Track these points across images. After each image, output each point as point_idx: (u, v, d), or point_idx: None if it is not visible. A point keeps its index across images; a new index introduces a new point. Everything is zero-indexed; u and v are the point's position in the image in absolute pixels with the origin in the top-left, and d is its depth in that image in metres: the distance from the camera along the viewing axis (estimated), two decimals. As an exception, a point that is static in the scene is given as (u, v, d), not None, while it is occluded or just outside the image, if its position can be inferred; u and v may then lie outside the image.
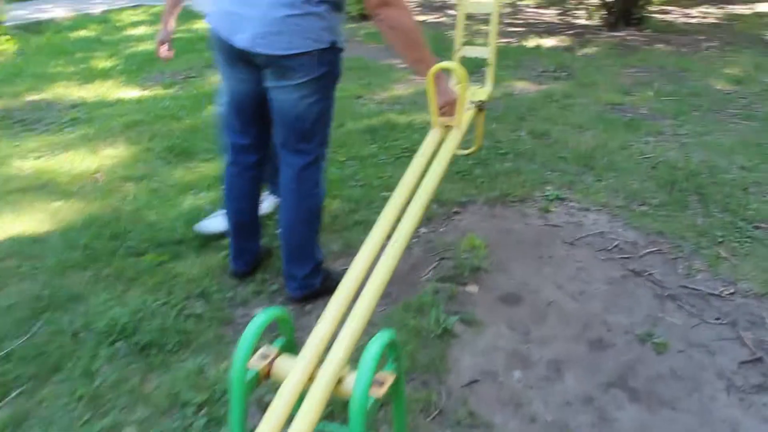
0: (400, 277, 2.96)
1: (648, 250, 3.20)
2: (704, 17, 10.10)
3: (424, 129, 4.76)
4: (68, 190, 3.95)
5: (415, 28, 2.24)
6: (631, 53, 7.33)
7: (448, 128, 2.46)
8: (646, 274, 3.00)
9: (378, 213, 2.16)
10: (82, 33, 9.29)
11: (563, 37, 8.28)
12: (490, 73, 2.83)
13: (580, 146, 4.43)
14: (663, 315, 2.70)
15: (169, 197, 3.82)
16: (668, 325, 2.63)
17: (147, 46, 7.93)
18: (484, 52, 2.81)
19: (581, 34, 8.48)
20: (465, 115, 2.53)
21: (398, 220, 2.07)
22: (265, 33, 2.22)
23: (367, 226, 3.36)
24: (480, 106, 2.65)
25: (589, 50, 7.53)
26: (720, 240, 3.25)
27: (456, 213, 3.61)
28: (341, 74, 2.48)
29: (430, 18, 10.11)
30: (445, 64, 2.19)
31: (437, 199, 3.68)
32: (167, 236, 3.33)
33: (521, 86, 5.95)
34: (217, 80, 6.23)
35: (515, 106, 5.31)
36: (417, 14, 10.20)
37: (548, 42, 7.98)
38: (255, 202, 2.85)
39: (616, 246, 3.24)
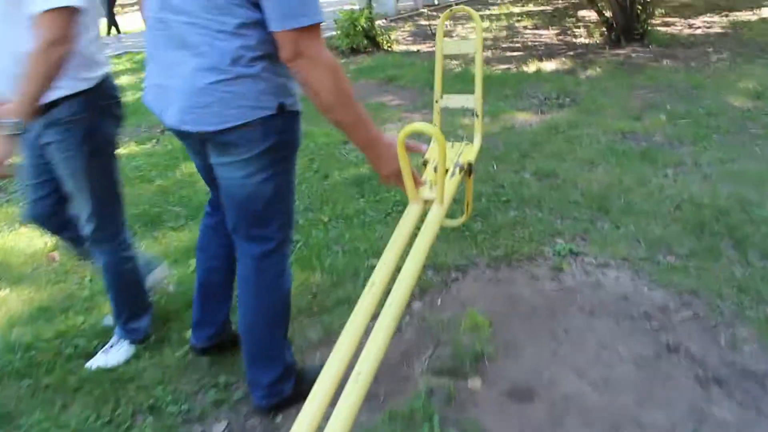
0: (389, 370, 2.49)
1: (681, 316, 2.71)
2: (709, 27, 9.66)
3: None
4: (20, 274, 3.51)
5: (334, 85, 1.72)
6: (638, 72, 6.88)
7: (428, 202, 2.01)
8: (683, 349, 2.51)
9: (364, 286, 1.73)
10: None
11: (564, 59, 7.85)
12: (478, 125, 2.37)
13: (592, 186, 3.96)
14: (709, 407, 2.21)
15: (130, 277, 3.36)
16: (717, 423, 2.14)
17: (127, 98, 7.56)
18: (470, 100, 2.35)
19: (583, 55, 8.05)
20: (449, 183, 2.07)
21: (381, 305, 1.67)
22: (192, 107, 1.82)
23: (351, 305, 2.88)
24: (468, 170, 2.19)
25: (593, 71, 7.08)
26: (766, 297, 2.76)
27: (455, 280, 3.13)
28: (299, 141, 2.04)
29: (423, 47, 9.72)
30: (416, 126, 1.73)
31: (432, 265, 3.21)
32: (121, 330, 2.87)
33: (522, 118, 5.50)
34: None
35: (517, 141, 4.86)
36: (409, 44, 9.82)
37: (549, 65, 7.55)
38: (228, 264, 2.40)
39: (643, 312, 2.75)
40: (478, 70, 2.28)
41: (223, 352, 2.58)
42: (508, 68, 7.52)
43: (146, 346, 2.75)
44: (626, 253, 3.20)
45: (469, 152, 2.23)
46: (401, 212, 3.81)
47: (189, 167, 4.96)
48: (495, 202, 3.85)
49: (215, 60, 1.76)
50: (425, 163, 2.23)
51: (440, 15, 9.90)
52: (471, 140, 2.36)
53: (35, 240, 3.90)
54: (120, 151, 5.48)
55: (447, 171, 2.13)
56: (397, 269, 1.80)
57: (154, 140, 5.82)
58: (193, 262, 3.27)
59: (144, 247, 3.65)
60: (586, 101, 5.83)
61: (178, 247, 3.65)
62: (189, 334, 2.76)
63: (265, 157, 1.91)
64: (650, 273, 3.04)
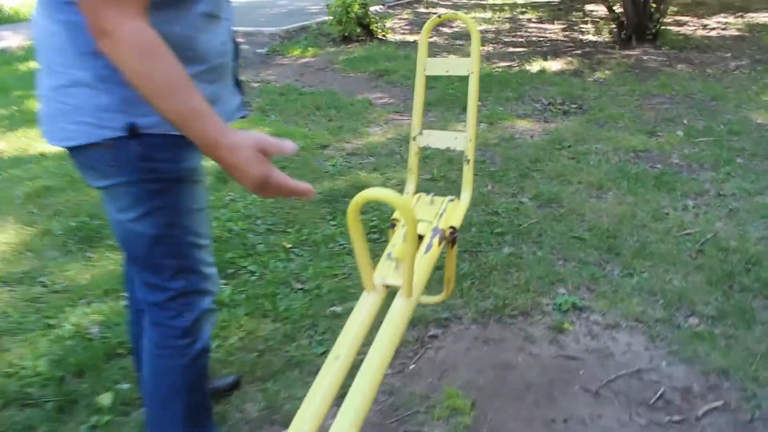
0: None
1: (708, 406, 2.18)
2: (724, 28, 9.07)
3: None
4: None
5: (144, 71, 1.19)
6: (650, 77, 6.31)
7: (386, 288, 1.46)
8: (713, 458, 1.97)
9: (322, 343, 1.31)
10: (33, 65, 8.34)
11: (570, 58, 7.27)
12: (468, 175, 1.79)
13: (601, 218, 3.42)
14: None
15: (49, 311, 2.82)
16: None
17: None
18: (459, 140, 1.77)
19: (591, 54, 7.47)
20: (424, 260, 1.52)
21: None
22: (44, 116, 1.45)
23: (303, 371, 2.36)
24: (450, 238, 1.63)
25: (602, 74, 6.51)
26: (814, 385, 2.23)
27: (433, 338, 2.60)
28: (186, 170, 1.49)
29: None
30: (374, 193, 1.18)
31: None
32: (22, 387, 2.34)
33: (523, 127, 4.94)
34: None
35: (516, 156, 4.30)
36: (406, 33, 9.21)
37: (554, 65, 6.97)
38: None
39: (660, 397, 2.22)
40: (471, 100, 1.71)
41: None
42: (510, 66, 6.94)
43: (48, 410, 2.22)
44: (640, 312, 2.67)
45: (453, 213, 1.67)
46: (379, 242, 3.29)
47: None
48: (487, 234, 3.30)
49: (48, 56, 1.37)
50: (393, 225, 1.67)
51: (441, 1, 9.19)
52: (458, 194, 1.79)
53: None
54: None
55: (421, 240, 1.58)
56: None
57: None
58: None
59: (73, 275, 3.10)
60: (595, 109, 5.27)
61: (114, 272, 3.09)
62: (105, 397, 2.26)
63: (132, 190, 1.44)
64: (669, 341, 2.50)
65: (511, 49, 7.87)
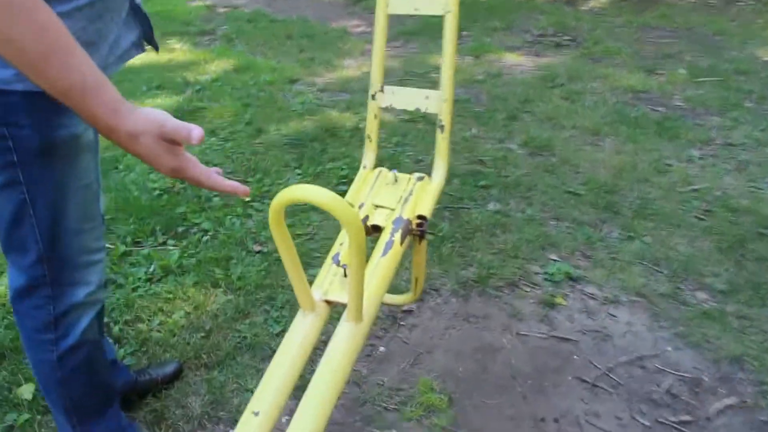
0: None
1: (721, 404, 1.89)
2: (727, -46, 8.52)
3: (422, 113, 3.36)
4: None
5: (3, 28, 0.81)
6: (649, 7, 5.85)
7: (329, 304, 1.10)
8: (728, 469, 1.69)
9: (279, 321, 1.56)
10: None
11: (564, -16, 6.75)
12: (443, 147, 1.37)
13: (598, 170, 3.06)
14: None
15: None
16: None
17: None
18: (431, 99, 1.35)
19: (585, -20, 6.95)
20: (381, 264, 1.15)
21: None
22: None
23: (256, 356, 2.04)
24: (418, 232, 1.26)
25: (596, 3, 6.04)
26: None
27: (406, 314, 2.27)
28: (64, 144, 1.17)
29: None
30: (299, 192, 0.82)
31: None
32: None
33: (513, 61, 4.51)
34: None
35: (504, 95, 3.90)
36: None
37: (545, -9, 6.47)
38: None
39: (667, 392, 1.93)
40: (447, 49, 1.30)
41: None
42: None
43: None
44: (642, 284, 2.35)
45: (422, 196, 1.29)
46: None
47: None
48: (470, 187, 2.94)
49: None
50: None
51: None
52: (429, 172, 1.40)
53: None
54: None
55: (379, 232, 1.22)
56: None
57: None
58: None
59: None
60: (589, 42, 4.85)
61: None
62: (26, 390, 1.94)
63: None
64: (675, 320, 2.20)
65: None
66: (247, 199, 2.92)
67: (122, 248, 2.58)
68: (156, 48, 1.39)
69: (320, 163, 3.16)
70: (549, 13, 5.57)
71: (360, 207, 1.26)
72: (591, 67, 4.33)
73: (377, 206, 1.26)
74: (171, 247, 2.60)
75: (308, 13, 5.66)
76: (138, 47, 1.29)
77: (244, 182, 3.07)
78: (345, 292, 1.08)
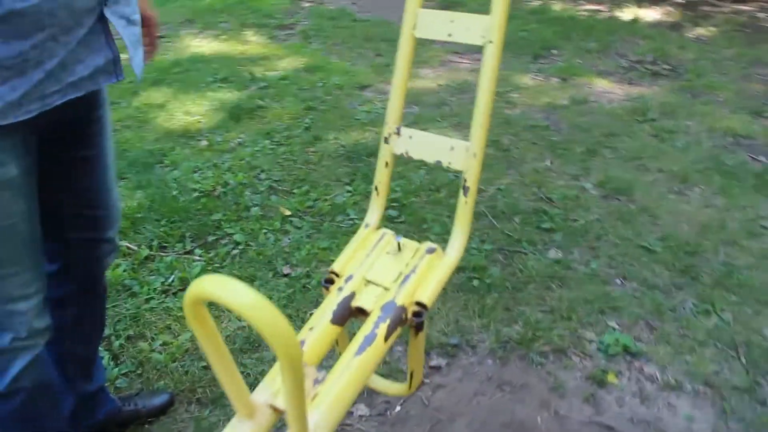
0: None
1: None
2: None
3: (444, 168, 3.10)
4: None
5: None
6: (764, 40, 5.33)
7: (275, 411, 0.85)
8: None
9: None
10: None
11: (670, 7, 6.28)
12: (463, 215, 1.06)
13: (680, 225, 2.70)
14: None
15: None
16: None
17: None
18: (456, 151, 1.04)
19: (695, 4, 6.44)
20: (353, 367, 0.89)
21: None
22: None
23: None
24: (414, 323, 0.99)
25: (705, 31, 5.55)
26: None
27: (433, 370, 2.00)
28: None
29: None
30: (214, 289, 0.58)
31: (405, 339, 2.07)
32: None
33: (602, 87, 4.15)
34: (190, 46, 4.69)
35: (586, 125, 3.55)
36: None
37: (650, 14, 6.01)
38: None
39: None
40: (484, 89, 1.02)
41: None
42: (598, 10, 6.02)
43: None
44: (713, 372, 2.00)
45: (428, 276, 1.01)
46: (398, 225, 2.67)
47: (153, 96, 3.86)
48: (531, 229, 2.64)
49: None
50: (329, 281, 1.03)
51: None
52: (444, 245, 1.11)
53: None
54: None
55: (363, 316, 0.96)
56: None
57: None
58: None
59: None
60: (691, 74, 4.42)
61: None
62: None
63: None
64: (748, 422, 1.85)
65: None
66: (288, 213, 2.72)
67: (145, 252, 2.43)
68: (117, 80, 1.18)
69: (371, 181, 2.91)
70: (651, 38, 5.15)
71: (348, 280, 1.01)
72: (689, 103, 3.92)
73: (369, 282, 1.00)
74: (196, 258, 2.42)
75: (393, 17, 5.43)
76: (109, 74, 1.10)
77: (290, 193, 2.87)
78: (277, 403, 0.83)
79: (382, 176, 1.13)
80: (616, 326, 2.17)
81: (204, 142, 3.32)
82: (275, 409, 0.84)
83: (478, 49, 1.01)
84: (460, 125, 3.54)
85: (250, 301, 0.59)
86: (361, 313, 0.98)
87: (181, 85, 4.01)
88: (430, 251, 1.04)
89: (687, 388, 1.96)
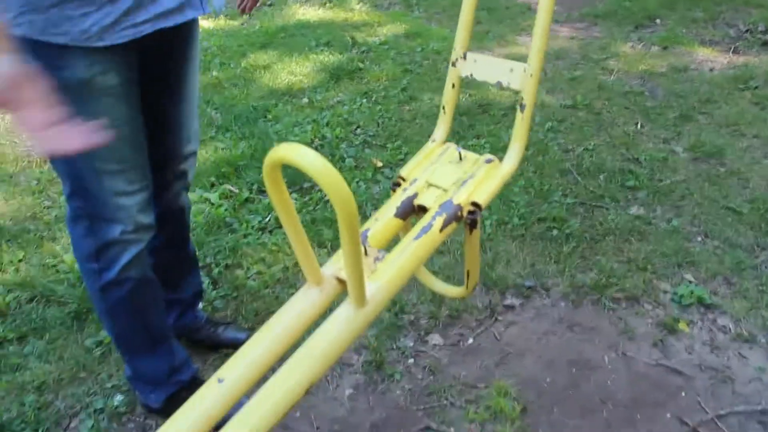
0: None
1: None
2: None
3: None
4: (5, 172, 2.91)
5: None
6: None
7: (341, 283, 1.00)
8: None
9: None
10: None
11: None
12: (521, 128, 1.17)
13: (771, 189, 2.67)
14: None
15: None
16: None
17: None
18: (515, 73, 1.16)
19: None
20: (411, 249, 1.03)
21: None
22: None
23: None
24: (470, 219, 1.11)
25: (828, 1, 5.25)
26: None
27: (507, 309, 2.11)
28: (71, 84, 1.19)
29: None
30: (291, 154, 0.74)
31: (483, 279, 2.19)
32: (52, 282, 2.18)
33: (704, 56, 4.05)
34: (297, 14, 4.92)
35: (683, 92, 3.51)
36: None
37: (768, -17, 5.73)
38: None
39: (788, 458, 1.63)
40: (541, 15, 1.12)
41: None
42: (712, -20, 5.79)
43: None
44: (790, 327, 2.01)
45: (485, 181, 1.13)
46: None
47: (260, 58, 4.10)
48: (615, 186, 2.67)
49: None
50: (397, 184, 1.17)
51: None
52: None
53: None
54: (206, 24, 4.73)
55: (423, 213, 1.09)
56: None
57: (246, 16, 4.96)
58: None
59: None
60: (806, 44, 4.22)
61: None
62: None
63: None
64: (822, 375, 1.85)
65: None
66: (380, 164, 2.88)
67: (246, 194, 2.65)
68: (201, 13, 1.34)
69: (464, 138, 3.04)
70: (764, 7, 4.93)
71: (412, 182, 1.15)
72: (799, 72, 3.77)
73: (431, 185, 1.14)
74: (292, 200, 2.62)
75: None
76: (195, 8, 1.29)
77: (383, 147, 3.03)
78: (366, 270, 0.98)
79: (449, 97, 1.25)
80: (693, 279, 2.20)
81: (305, 100, 3.52)
82: (340, 281, 0.99)
83: (578, 18, 1.11)
84: (554, 89, 3.58)
85: (320, 166, 0.73)
86: (422, 210, 1.11)
87: (286, 48, 4.24)
88: (488, 161, 1.16)
89: (761, 340, 1.98)
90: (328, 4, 5.19)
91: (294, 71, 3.88)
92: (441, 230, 1.05)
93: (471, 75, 1.22)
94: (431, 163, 1.19)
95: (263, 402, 0.84)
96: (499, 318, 2.08)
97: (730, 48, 4.18)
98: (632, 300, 2.13)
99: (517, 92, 1.16)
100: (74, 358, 1.89)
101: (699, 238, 2.40)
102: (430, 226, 1.05)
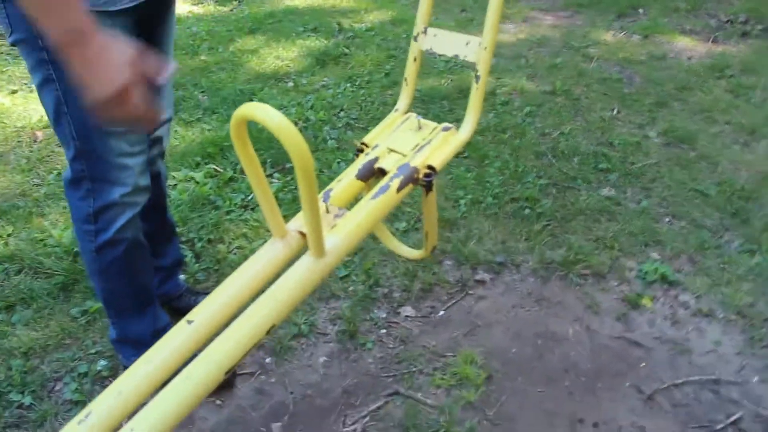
0: (308, 419, 1.69)
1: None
2: None
3: (506, 105, 3.25)
4: (-2, 148, 2.96)
5: None
6: None
7: (303, 237, 1.07)
8: None
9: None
10: None
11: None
12: (475, 99, 1.26)
13: (739, 172, 2.75)
14: None
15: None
16: None
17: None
18: (471, 46, 1.23)
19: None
20: (369, 207, 1.10)
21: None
22: None
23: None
24: (425, 182, 1.19)
25: (810, -8, 5.33)
26: None
27: (478, 284, 2.19)
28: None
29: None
30: (254, 111, 0.81)
31: (455, 253, 2.28)
32: (39, 255, 2.25)
33: (683, 45, 4.13)
34: (285, 0, 4.96)
35: (660, 79, 3.59)
36: None
37: (752, -25, 5.81)
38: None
39: (734, 425, 1.72)
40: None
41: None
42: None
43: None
44: (748, 304, 2.10)
45: (440, 148, 1.20)
46: (461, 160, 2.84)
47: (248, 43, 4.15)
48: (588, 168, 2.76)
49: None
50: (359, 150, 1.25)
51: None
52: (457, 124, 1.31)
53: (31, 109, 3.31)
54: (196, 9, 4.77)
55: (382, 176, 1.17)
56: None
57: (236, 2, 5.00)
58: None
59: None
60: (784, 35, 4.31)
61: (177, 149, 2.92)
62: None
63: (28, 50, 1.27)
64: (774, 348, 1.94)
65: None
66: (359, 144, 2.94)
67: (230, 174, 2.72)
68: None
69: (442, 120, 3.09)
70: (750, -1, 5.01)
71: (374, 148, 1.22)
72: (775, 62, 3.86)
73: (391, 150, 1.21)
74: (274, 180, 2.69)
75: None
76: None
77: (365, 129, 3.10)
78: (325, 225, 1.05)
79: (410, 70, 1.33)
80: (658, 257, 2.29)
81: (290, 84, 3.58)
82: (302, 234, 1.06)
83: (562, 7, 1.18)
84: (535, 76, 3.65)
85: (279, 122, 0.80)
86: (382, 173, 1.18)
87: (273, 33, 4.29)
88: (446, 129, 1.23)
89: (719, 315, 2.07)
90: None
91: (281, 56, 3.94)
92: (398, 191, 1.13)
93: (431, 48, 1.29)
94: (393, 130, 1.26)
95: (228, 339, 0.92)
96: (470, 292, 2.16)
97: (710, 38, 4.27)
98: (598, 276, 2.22)
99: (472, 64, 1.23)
100: (60, 326, 1.96)
101: (666, 219, 2.48)
102: (387, 186, 1.12)
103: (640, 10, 4.73)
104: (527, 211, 2.49)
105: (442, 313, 2.08)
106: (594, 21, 4.52)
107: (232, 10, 4.87)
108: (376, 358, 1.91)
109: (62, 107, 1.30)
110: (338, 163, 2.82)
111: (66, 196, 1.53)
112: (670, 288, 2.17)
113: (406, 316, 2.06)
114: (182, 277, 2.05)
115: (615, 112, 3.25)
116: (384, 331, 2.00)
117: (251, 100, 3.38)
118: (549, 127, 3.10)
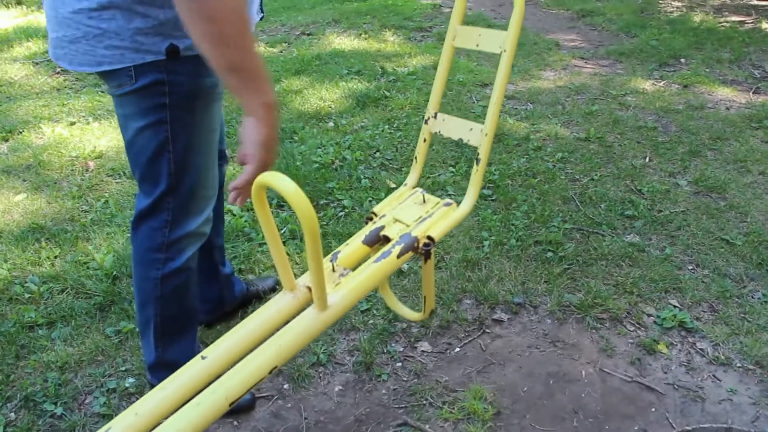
0: (322, 448, 1.76)
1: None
2: None
3: (538, 151, 3.32)
4: (49, 178, 3.16)
5: (233, 9, 1.08)
6: None
7: (310, 291, 1.17)
8: None
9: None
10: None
11: (827, 21, 5.99)
12: (475, 179, 1.34)
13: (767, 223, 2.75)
14: None
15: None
16: None
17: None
18: (475, 133, 1.33)
19: None
20: (370, 270, 1.19)
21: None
22: (60, 39, 1.38)
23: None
24: (423, 251, 1.28)
25: None
26: None
27: (495, 323, 2.25)
28: (204, 90, 1.43)
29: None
30: (272, 180, 0.92)
31: (475, 293, 2.34)
32: (82, 277, 2.40)
33: (723, 95, 4.14)
34: (332, 43, 5.16)
35: (695, 129, 3.61)
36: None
37: (801, 27, 5.79)
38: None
39: (743, 472, 1.72)
40: (498, 86, 1.28)
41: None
42: (742, 22, 5.88)
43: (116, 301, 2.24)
44: (766, 353, 2.09)
45: (440, 221, 1.30)
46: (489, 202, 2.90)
47: (293, 84, 4.33)
48: (614, 215, 2.79)
49: None
50: (370, 219, 1.36)
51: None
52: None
53: (85, 140, 3.52)
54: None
55: (386, 243, 1.27)
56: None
57: (286, 44, 5.23)
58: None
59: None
60: (828, 87, 4.28)
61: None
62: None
63: (143, 99, 1.39)
64: (790, 399, 1.93)
65: (754, 1, 6.67)
66: (393, 185, 3.05)
67: (265, 208, 2.84)
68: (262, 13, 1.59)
69: (472, 164, 3.19)
70: (794, 50, 5.00)
71: (381, 217, 1.33)
72: (816, 114, 3.84)
73: (396, 220, 1.32)
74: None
75: (528, 23, 5.64)
76: (260, 11, 1.53)
77: (399, 171, 3.20)
78: (330, 284, 1.16)
79: (420, 149, 1.45)
80: (677, 305, 2.30)
81: (330, 124, 3.73)
82: (309, 289, 1.16)
83: (603, 56, 1.28)
84: (570, 122, 3.71)
85: (292, 191, 0.90)
86: (386, 240, 1.29)
87: (318, 75, 4.47)
88: (447, 204, 1.34)
89: (736, 364, 2.07)
90: (363, 35, 5.43)
91: (323, 97, 4.10)
92: (398, 257, 1.23)
93: (439, 132, 1.41)
94: (399, 203, 1.38)
95: (236, 375, 1.02)
96: (487, 330, 2.22)
97: (752, 88, 4.26)
98: (615, 321, 2.24)
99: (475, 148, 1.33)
100: (95, 343, 2.09)
101: (690, 267, 2.50)
102: (389, 252, 1.23)
103: (682, 60, 4.76)
104: (549, 254, 2.54)
105: (457, 349, 2.14)
106: (634, 70, 4.57)
107: (281, 51, 5.08)
108: (389, 389, 1.97)
109: (167, 146, 1.43)
110: (370, 201, 2.92)
111: (134, 226, 1.61)
112: (688, 335, 2.18)
113: (423, 351, 2.13)
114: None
115: (647, 159, 3.28)
116: (399, 364, 2.07)
117: (292, 139, 3.53)
118: (579, 173, 3.15)
